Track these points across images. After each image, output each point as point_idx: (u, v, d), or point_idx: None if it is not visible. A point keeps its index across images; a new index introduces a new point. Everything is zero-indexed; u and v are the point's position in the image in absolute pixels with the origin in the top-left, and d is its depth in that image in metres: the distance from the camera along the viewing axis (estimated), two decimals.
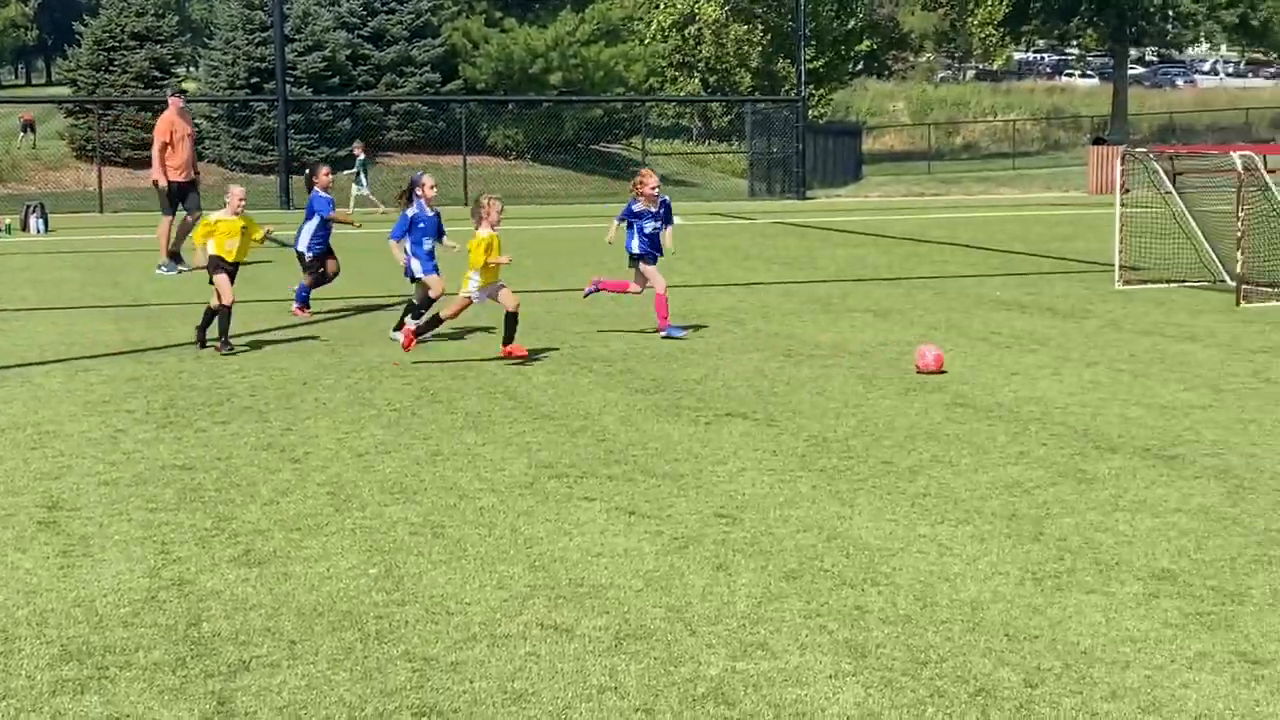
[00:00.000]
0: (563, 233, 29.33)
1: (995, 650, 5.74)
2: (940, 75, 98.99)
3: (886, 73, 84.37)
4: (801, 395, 11.07)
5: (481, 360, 12.82)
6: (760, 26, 57.01)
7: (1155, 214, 19.50)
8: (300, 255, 15.88)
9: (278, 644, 5.82)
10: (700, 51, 56.62)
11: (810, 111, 57.09)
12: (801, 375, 11.94)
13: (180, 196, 21.14)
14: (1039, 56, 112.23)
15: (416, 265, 13.74)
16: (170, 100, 21.81)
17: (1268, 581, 6.53)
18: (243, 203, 13.84)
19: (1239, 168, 16.27)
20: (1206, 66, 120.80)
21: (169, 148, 20.97)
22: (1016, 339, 13.76)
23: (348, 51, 46.83)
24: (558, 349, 13.46)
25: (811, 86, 58.90)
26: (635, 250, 14.23)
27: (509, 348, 12.66)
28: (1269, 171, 44.24)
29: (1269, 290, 16.56)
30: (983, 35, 65.67)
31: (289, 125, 40.68)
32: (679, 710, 5.18)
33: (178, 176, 21.03)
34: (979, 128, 79.41)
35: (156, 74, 45.19)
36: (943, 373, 11.92)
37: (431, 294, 13.68)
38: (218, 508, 7.92)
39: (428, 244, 13.76)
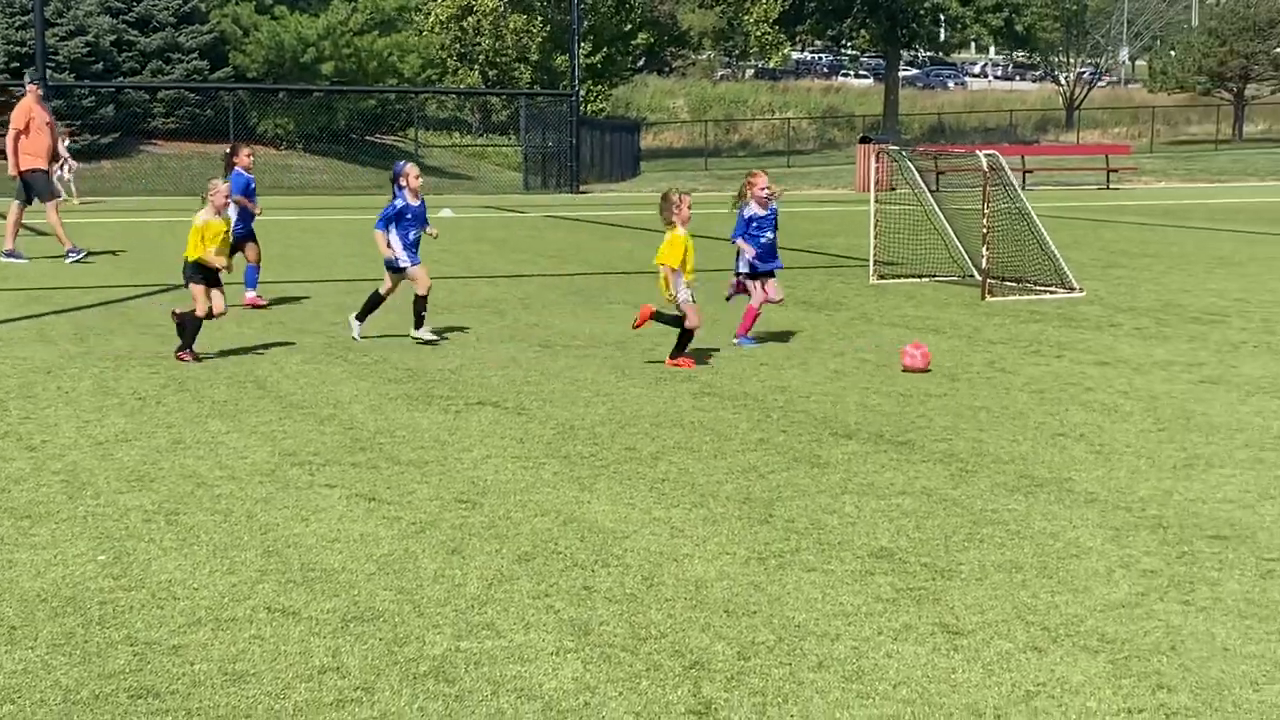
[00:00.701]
0: (333, 224, 29.07)
1: (714, 625, 5.93)
2: (720, 73, 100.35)
3: (667, 70, 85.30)
4: (554, 384, 11.21)
5: (237, 351, 12.70)
6: (539, 19, 57.10)
7: (912, 211, 20.13)
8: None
9: None
10: (480, 44, 56.50)
11: (589, 107, 57.42)
12: (556, 365, 12.08)
13: (30, 186, 20.53)
14: (817, 57, 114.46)
15: (404, 257, 13.00)
16: (29, 88, 21.17)
17: (977, 558, 6.85)
18: (227, 200, 12.45)
19: (984, 167, 16.87)
20: (976, 69, 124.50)
21: (22, 135, 20.37)
22: (769, 330, 14.08)
23: (112, 37, 45.69)
24: (313, 339, 13.39)
25: (590, 82, 59.26)
26: (747, 269, 13.10)
27: (679, 360, 12.01)
28: (1027, 171, 45.55)
29: (1012, 285, 17.21)
30: (759, 34, 66.67)
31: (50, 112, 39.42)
32: (399, 688, 5.26)
33: (34, 165, 20.42)
34: (756, 125, 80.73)
35: None
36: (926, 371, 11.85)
37: (419, 290, 12.98)
38: None
39: (413, 234, 13.12)
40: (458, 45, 56.16)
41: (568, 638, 5.78)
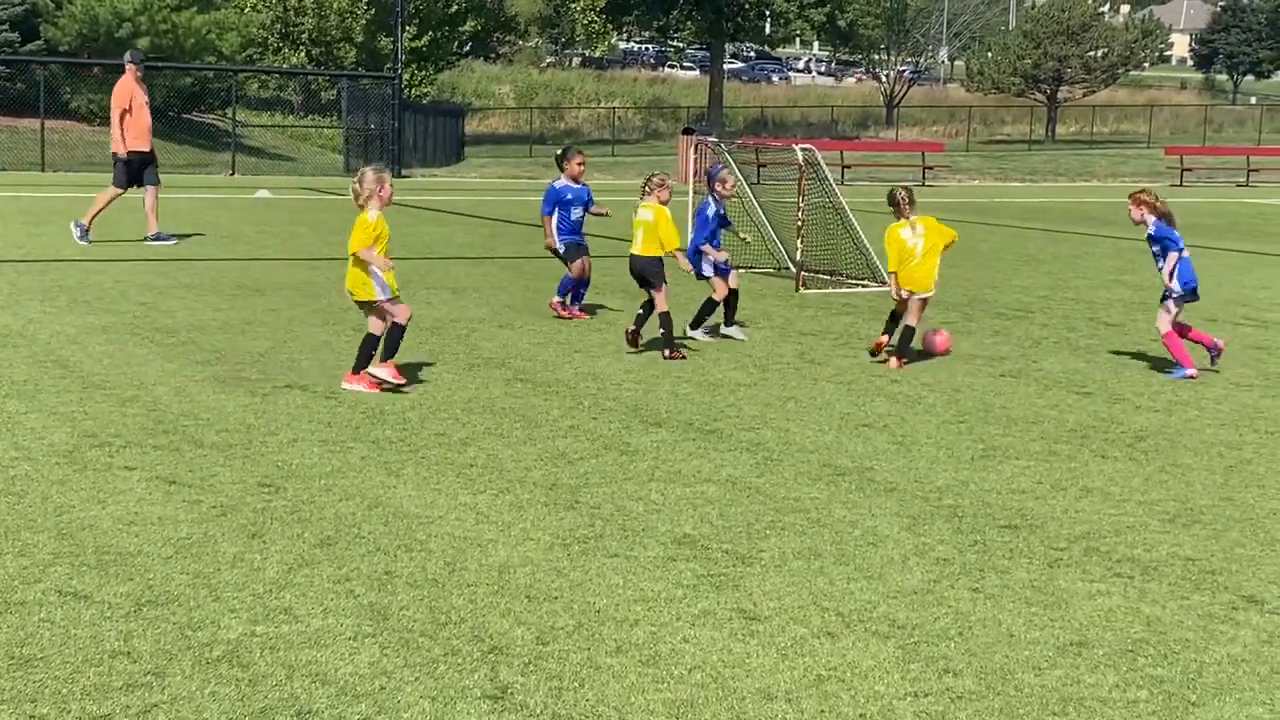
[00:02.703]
0: None
1: (515, 611, 5.95)
2: (547, 61, 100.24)
3: (494, 56, 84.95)
4: None
5: (40, 330, 12.38)
6: (364, 1, 56.46)
7: (731, 204, 20.25)
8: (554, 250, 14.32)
9: None
10: (303, 24, 55.67)
11: (413, 90, 56.93)
12: None
13: (138, 168, 19.80)
14: (643, 47, 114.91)
15: (695, 265, 13.11)
16: (128, 66, 20.22)
17: (778, 545, 6.96)
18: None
19: (800, 160, 17.10)
20: (800, 65, 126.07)
21: (127, 115, 19.66)
22: (586, 319, 14.12)
23: None
24: (120, 318, 13.11)
25: (415, 65, 58.75)
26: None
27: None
28: (846, 167, 46.18)
29: (825, 277, 17.48)
30: (585, 22, 66.75)
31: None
32: (190, 673, 5.19)
33: (137, 146, 19.71)
34: (582, 114, 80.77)
35: None
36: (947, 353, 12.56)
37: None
38: None
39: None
40: (279, 25, 55.26)
41: (366, 622, 5.75)
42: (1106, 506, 7.82)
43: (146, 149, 19.90)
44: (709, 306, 13.18)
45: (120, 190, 19.95)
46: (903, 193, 12.20)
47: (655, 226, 12.17)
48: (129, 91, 19.68)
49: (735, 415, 9.93)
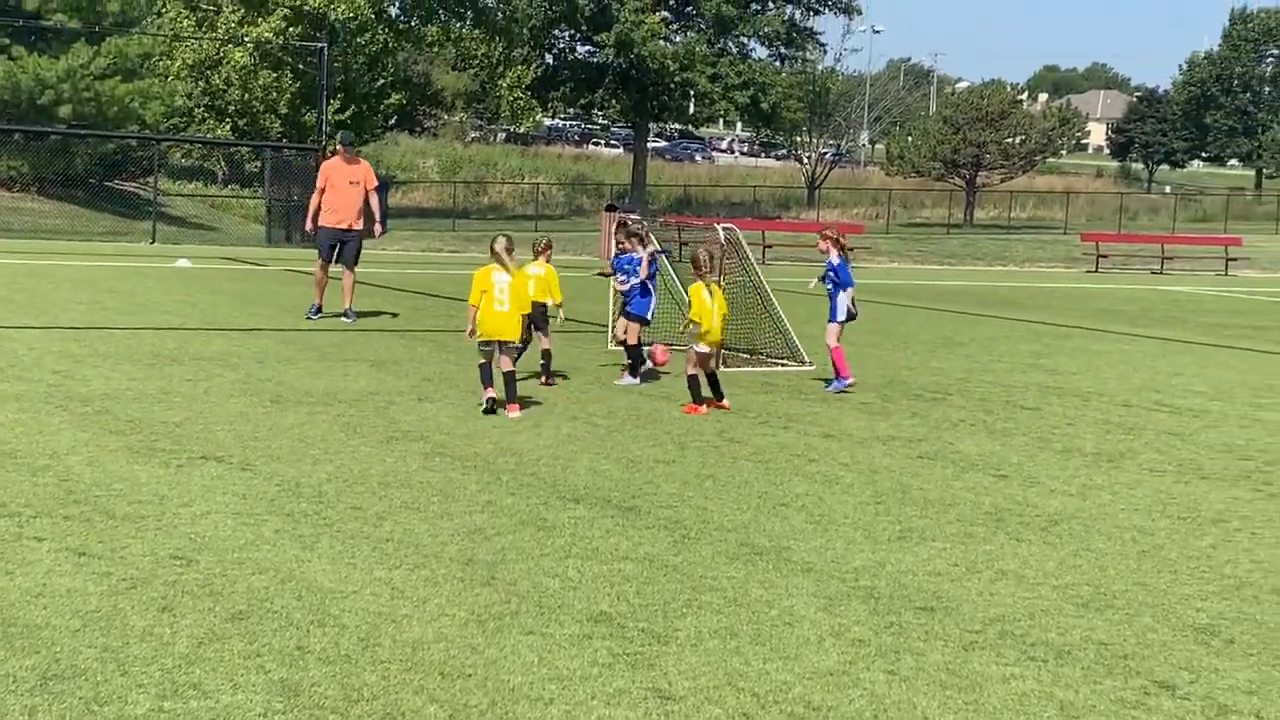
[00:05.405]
0: (65, 269, 28.12)
1: (428, 688, 5.89)
2: (471, 135, 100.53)
3: (419, 129, 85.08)
4: (282, 441, 11.03)
5: None
6: (289, 74, 56.44)
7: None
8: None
9: None
10: (229, 94, 55.55)
11: None
12: (286, 421, 11.88)
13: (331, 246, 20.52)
14: (568, 124, 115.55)
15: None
16: (338, 147, 21.13)
17: (694, 624, 6.95)
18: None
19: (722, 239, 17.22)
20: (724, 145, 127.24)
21: (323, 193, 20.38)
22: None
23: None
24: (33, 386, 12.94)
25: (337, 133, 58.65)
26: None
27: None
28: (767, 247, 46.48)
29: (746, 356, 17.56)
30: (511, 99, 67.05)
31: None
32: None
33: (329, 223, 20.39)
34: (506, 189, 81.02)
35: None
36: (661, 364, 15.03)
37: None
38: None
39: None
40: (206, 98, 55.12)
41: (276, 699, 5.68)
42: (1021, 590, 7.87)
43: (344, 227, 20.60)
44: (631, 352, 15.31)
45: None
46: (704, 255, 14.17)
47: (546, 280, 14.82)
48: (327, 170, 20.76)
49: (653, 493, 9.92)
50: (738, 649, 6.61)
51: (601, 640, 6.63)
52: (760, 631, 6.89)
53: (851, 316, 15.45)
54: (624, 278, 15.95)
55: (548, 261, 15.14)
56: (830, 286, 15.43)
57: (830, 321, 15.40)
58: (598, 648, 6.53)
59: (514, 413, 12.67)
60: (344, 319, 20.00)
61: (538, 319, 14.76)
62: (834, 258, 15.29)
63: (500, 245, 13.02)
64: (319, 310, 20.30)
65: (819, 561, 8.26)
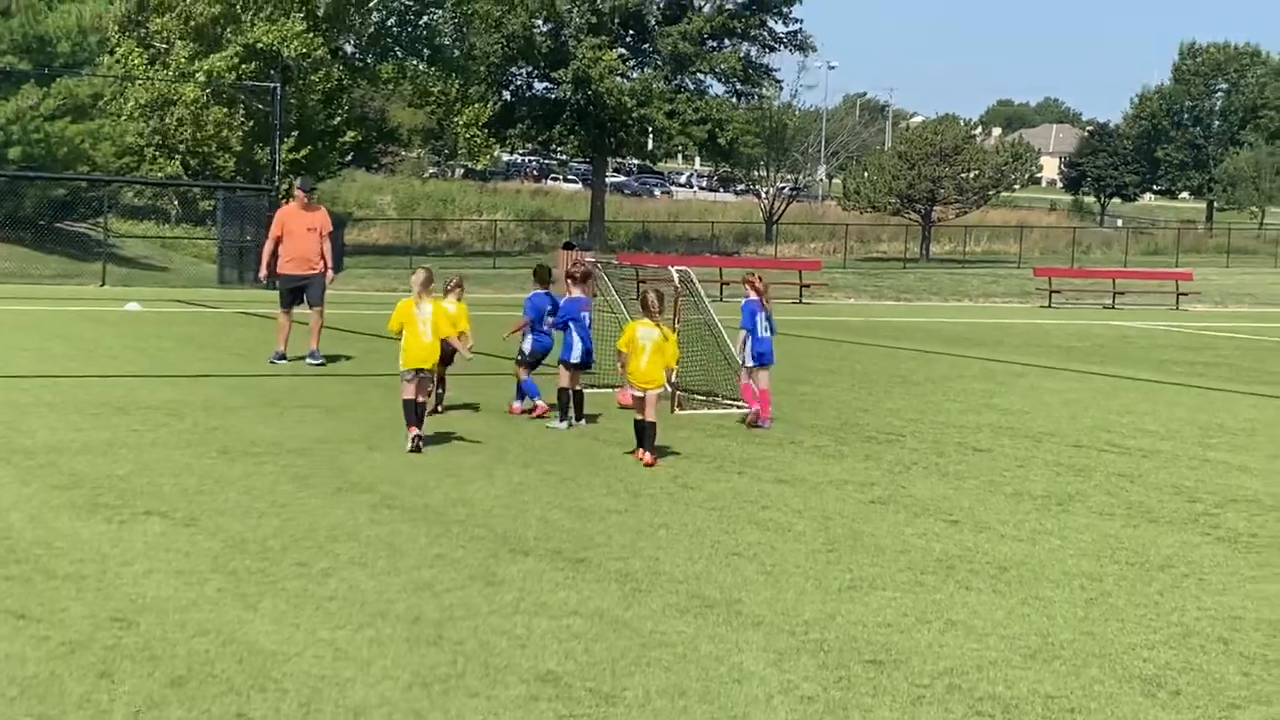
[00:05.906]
0: (12, 315, 27.89)
1: None
2: (429, 172, 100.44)
3: (376, 166, 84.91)
4: (229, 494, 10.92)
5: None
6: (242, 111, 56.22)
7: (608, 319, 20.29)
8: None
9: None
10: (181, 133, 55.26)
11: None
12: (233, 473, 11.77)
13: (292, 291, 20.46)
14: (526, 160, 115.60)
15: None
16: (296, 193, 20.98)
17: (642, 683, 6.88)
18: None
19: (675, 281, 17.21)
20: (683, 180, 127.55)
21: (279, 241, 20.35)
22: (456, 439, 14.02)
23: None
24: None
25: (294, 176, 58.45)
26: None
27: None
28: (724, 283, 46.42)
29: (702, 398, 17.53)
30: (468, 135, 66.99)
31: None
32: None
33: (288, 270, 20.43)
34: (464, 225, 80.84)
35: None
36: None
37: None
38: None
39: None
40: (158, 137, 54.81)
41: None
42: (970, 640, 7.84)
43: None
44: (563, 396, 15.44)
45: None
46: (653, 296, 14.13)
47: (458, 318, 14.97)
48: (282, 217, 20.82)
49: (605, 543, 9.86)
50: (685, 708, 6.55)
51: (548, 702, 6.57)
52: (709, 689, 6.83)
53: (759, 362, 16.05)
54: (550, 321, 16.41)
55: (459, 300, 15.50)
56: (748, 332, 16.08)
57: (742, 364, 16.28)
58: (544, 710, 6.46)
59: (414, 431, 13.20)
60: (308, 361, 19.86)
61: (447, 355, 15.07)
62: (753, 299, 16.25)
63: (419, 279, 13.77)
64: (283, 357, 20.07)
65: (769, 614, 8.21)
